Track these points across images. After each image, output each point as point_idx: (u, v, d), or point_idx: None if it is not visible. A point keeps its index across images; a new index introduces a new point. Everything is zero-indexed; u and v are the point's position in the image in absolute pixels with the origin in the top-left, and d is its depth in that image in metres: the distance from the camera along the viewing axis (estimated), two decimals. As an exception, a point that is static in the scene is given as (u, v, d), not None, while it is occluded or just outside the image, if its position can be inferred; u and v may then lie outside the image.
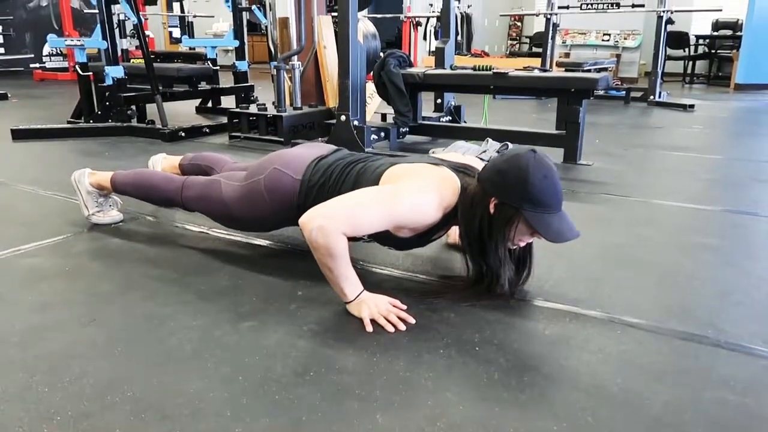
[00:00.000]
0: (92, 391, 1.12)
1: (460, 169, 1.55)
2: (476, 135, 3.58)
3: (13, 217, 2.22)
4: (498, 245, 1.43)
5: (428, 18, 9.03)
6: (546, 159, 1.39)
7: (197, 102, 5.39)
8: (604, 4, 7.18)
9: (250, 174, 1.74)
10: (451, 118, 4.26)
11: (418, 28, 9.14)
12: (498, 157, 1.45)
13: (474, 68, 3.61)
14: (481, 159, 2.21)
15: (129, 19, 4.23)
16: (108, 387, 1.14)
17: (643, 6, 6.82)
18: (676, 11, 6.05)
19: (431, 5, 9.41)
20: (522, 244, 1.48)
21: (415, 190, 1.46)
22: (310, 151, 1.75)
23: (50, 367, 1.20)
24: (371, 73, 3.85)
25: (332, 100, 4.24)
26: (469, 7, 9.89)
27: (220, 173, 2.01)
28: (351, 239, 1.57)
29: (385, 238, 1.57)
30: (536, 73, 3.47)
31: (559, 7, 6.81)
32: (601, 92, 6.21)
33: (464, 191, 1.47)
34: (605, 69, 6.51)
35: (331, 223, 1.36)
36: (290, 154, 1.75)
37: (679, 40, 8.94)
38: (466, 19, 9.77)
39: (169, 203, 1.97)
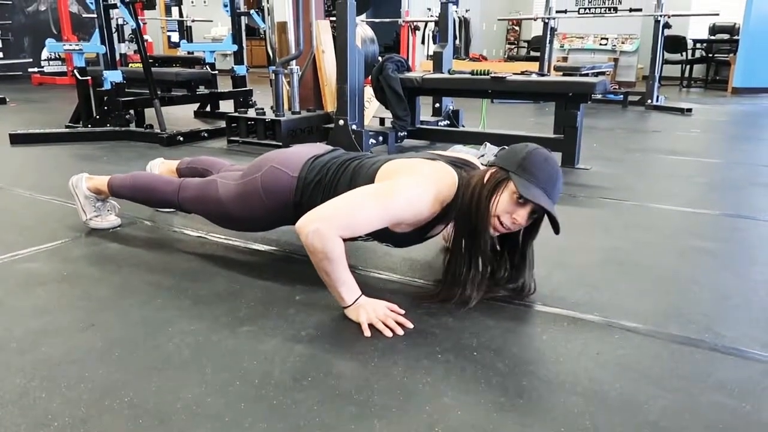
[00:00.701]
0: (90, 397, 1.12)
1: (458, 164, 1.55)
2: (474, 139, 3.59)
3: (10, 222, 2.22)
4: (484, 215, 1.40)
5: (426, 22, 9.04)
6: (553, 154, 1.47)
7: (196, 106, 5.40)
8: (601, 8, 7.21)
9: (246, 172, 1.74)
10: (449, 122, 4.27)
11: (416, 32, 9.16)
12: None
13: (472, 72, 3.62)
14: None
15: (127, 23, 4.23)
16: (106, 392, 1.13)
17: (640, 10, 6.85)
18: (673, 15, 6.07)
19: (429, 9, 9.42)
20: (500, 227, 1.43)
21: (411, 185, 1.46)
22: (306, 150, 1.75)
23: (48, 373, 1.20)
24: (369, 78, 3.86)
25: (330, 105, 4.25)
26: (467, 11, 9.91)
27: (217, 174, 2.01)
28: (350, 239, 1.57)
29: (383, 235, 1.56)
30: (534, 77, 3.48)
31: (557, 12, 6.84)
32: (599, 96, 6.23)
33: (461, 182, 1.48)
34: (603, 73, 6.52)
35: (327, 227, 1.36)
36: (287, 152, 1.75)
37: (676, 44, 8.97)
38: (464, 23, 9.79)
39: (166, 205, 1.97)
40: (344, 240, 1.40)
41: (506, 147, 1.54)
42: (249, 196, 1.70)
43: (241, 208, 1.73)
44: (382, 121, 4.27)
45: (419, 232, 1.58)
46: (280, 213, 1.69)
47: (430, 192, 1.45)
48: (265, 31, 4.63)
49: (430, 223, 1.53)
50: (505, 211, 1.41)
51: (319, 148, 1.79)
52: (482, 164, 1.68)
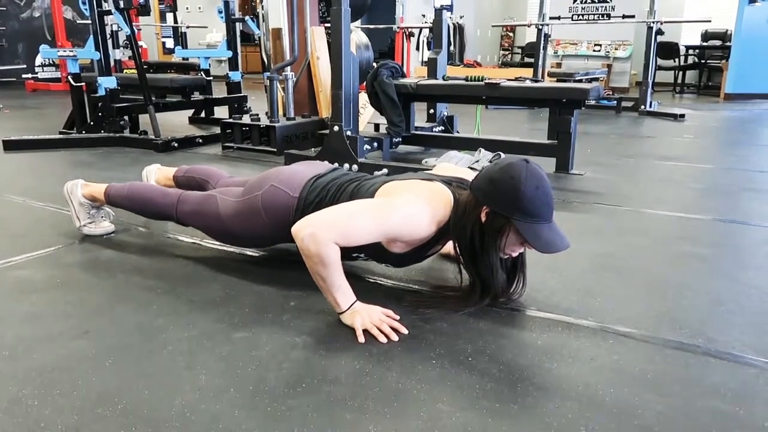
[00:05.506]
0: (82, 404, 1.11)
1: (453, 183, 1.56)
2: (469, 145, 3.60)
3: (3, 229, 2.21)
4: (489, 254, 1.43)
5: (421, 29, 9.08)
6: (538, 169, 1.39)
7: (190, 112, 5.39)
8: (595, 14, 7.26)
9: (247, 190, 1.74)
10: (443, 128, 4.28)
11: (411, 38, 9.19)
12: (490, 166, 1.46)
13: (466, 78, 3.63)
14: (473, 169, 2.22)
15: (122, 29, 4.23)
16: (98, 399, 1.13)
17: (633, 17, 6.90)
18: (666, 22, 6.11)
19: (424, 16, 9.46)
20: (513, 254, 1.49)
21: (408, 203, 1.47)
22: (307, 169, 1.75)
23: (40, 380, 1.19)
24: (364, 84, 3.86)
25: (325, 111, 4.26)
26: (461, 17, 9.95)
27: (216, 188, 2.01)
28: (349, 258, 1.57)
29: (381, 254, 1.57)
30: (528, 83, 3.49)
31: (551, 18, 6.87)
32: (593, 102, 6.25)
33: (457, 203, 1.48)
34: (596, 79, 6.56)
35: (322, 232, 1.36)
36: (288, 171, 1.75)
37: (669, 50, 9.04)
38: (459, 29, 9.83)
39: (163, 217, 1.96)
40: (341, 256, 1.40)
41: (481, 172, 1.46)
42: (249, 214, 1.70)
43: (241, 225, 1.73)
44: (377, 126, 4.27)
45: (417, 252, 1.58)
46: (280, 231, 1.67)
47: (427, 211, 1.46)
48: (260, 38, 4.64)
49: (428, 243, 1.54)
50: (511, 249, 1.45)
51: (320, 166, 1.80)
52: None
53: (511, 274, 1.57)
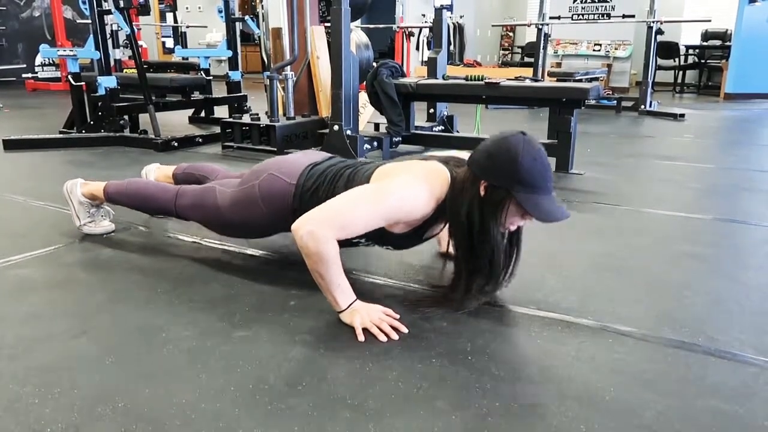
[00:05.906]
0: (83, 403, 1.11)
1: (450, 162, 1.56)
2: (469, 144, 3.59)
3: (3, 228, 2.21)
4: (490, 228, 1.41)
5: (421, 28, 9.08)
6: (535, 141, 1.39)
7: (190, 112, 5.39)
8: (595, 14, 7.27)
9: (245, 180, 1.75)
10: (443, 127, 4.28)
11: (411, 38, 9.19)
12: (487, 140, 1.44)
13: (466, 78, 3.63)
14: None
15: (122, 29, 4.23)
16: (98, 398, 1.13)
17: (633, 17, 6.91)
18: (665, 22, 6.12)
19: (424, 15, 9.46)
20: (513, 228, 1.47)
21: (404, 183, 1.46)
22: (304, 158, 1.75)
23: (40, 379, 1.19)
24: (364, 83, 3.86)
25: (325, 110, 4.26)
26: (461, 17, 9.95)
27: (215, 181, 2.01)
28: (349, 244, 1.57)
29: (381, 237, 1.56)
30: (528, 83, 3.49)
31: (551, 18, 6.87)
32: (593, 102, 6.26)
33: (454, 180, 1.48)
34: (596, 79, 6.56)
35: (321, 229, 1.36)
36: (285, 159, 1.75)
37: (669, 50, 9.04)
38: (459, 29, 9.83)
39: (163, 212, 1.96)
40: (343, 242, 1.40)
41: (478, 147, 1.44)
42: (247, 204, 1.70)
43: (239, 215, 1.73)
44: (376, 126, 4.27)
45: (417, 232, 1.57)
46: (279, 220, 1.68)
47: (424, 189, 1.45)
48: (259, 37, 4.64)
49: (427, 222, 1.53)
50: (511, 222, 1.43)
51: (317, 155, 1.80)
52: None
53: (508, 250, 1.54)
